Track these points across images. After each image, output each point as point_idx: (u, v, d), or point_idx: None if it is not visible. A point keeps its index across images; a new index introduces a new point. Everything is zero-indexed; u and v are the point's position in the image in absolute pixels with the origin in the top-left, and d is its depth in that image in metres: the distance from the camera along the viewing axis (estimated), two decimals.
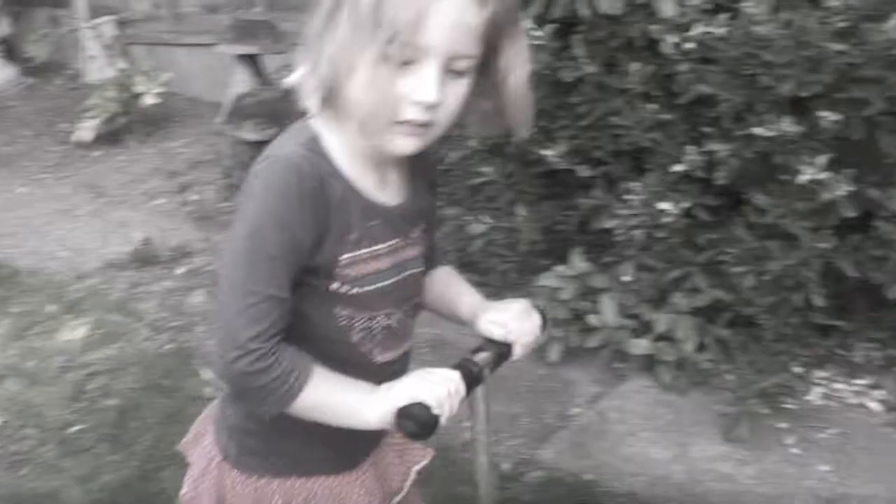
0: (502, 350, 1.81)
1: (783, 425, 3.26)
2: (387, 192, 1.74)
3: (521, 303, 1.88)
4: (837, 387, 3.47)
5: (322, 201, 1.62)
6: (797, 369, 3.28)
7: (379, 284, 1.74)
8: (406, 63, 1.53)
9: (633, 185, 3.24)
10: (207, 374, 3.70)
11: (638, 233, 3.29)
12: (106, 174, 6.24)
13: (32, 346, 4.14)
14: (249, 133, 5.38)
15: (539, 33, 3.04)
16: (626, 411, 3.39)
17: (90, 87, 7.26)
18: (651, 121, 3.14)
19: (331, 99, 1.59)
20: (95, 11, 7.94)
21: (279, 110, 5.31)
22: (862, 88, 2.82)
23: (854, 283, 3.24)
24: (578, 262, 3.62)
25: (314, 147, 1.65)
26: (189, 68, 7.26)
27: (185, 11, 8.04)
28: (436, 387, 1.62)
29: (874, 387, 3.46)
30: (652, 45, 3.01)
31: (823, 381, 3.50)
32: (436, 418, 1.56)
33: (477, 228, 3.71)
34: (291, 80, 1.66)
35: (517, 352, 1.85)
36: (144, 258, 4.81)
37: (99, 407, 3.66)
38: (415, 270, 1.83)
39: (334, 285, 1.69)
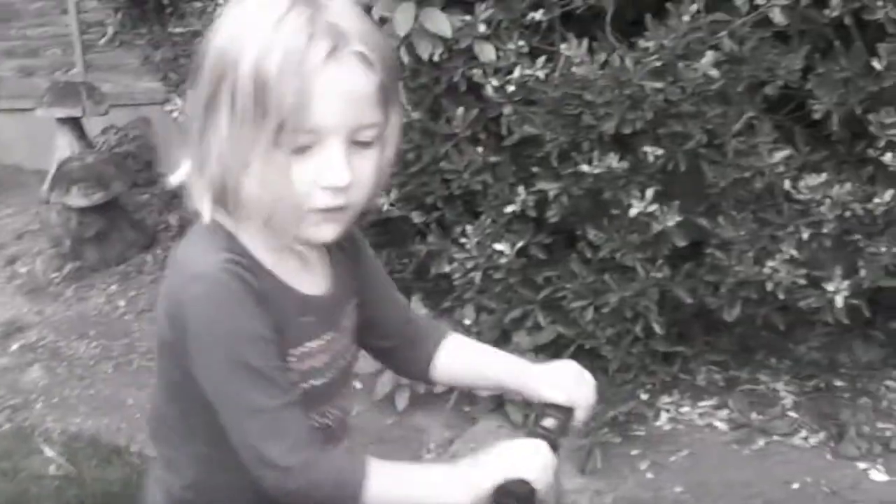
0: (568, 415, 1.70)
1: (635, 452, 3.32)
2: (312, 281, 1.62)
3: (571, 364, 1.77)
4: (684, 410, 3.55)
5: (259, 302, 1.48)
6: (643, 396, 3.34)
7: (314, 382, 1.59)
8: (304, 148, 1.43)
9: (467, 227, 3.27)
10: (50, 451, 3.59)
11: (475, 275, 3.30)
12: None
13: None
14: (76, 199, 5.22)
15: None
16: (480, 453, 3.38)
17: None
18: (479, 164, 3.17)
19: (225, 198, 1.48)
20: None
21: (105, 174, 5.19)
22: (681, 123, 2.91)
23: (691, 310, 3.33)
24: (418, 309, 3.61)
25: (233, 248, 1.51)
26: (8, 135, 7.06)
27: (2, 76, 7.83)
28: (532, 459, 1.52)
29: (718, 407, 3.55)
30: (474, 88, 3.04)
31: (670, 406, 3.57)
32: (534, 492, 1.49)
33: None
34: (175, 179, 1.53)
35: (580, 416, 1.71)
36: None
37: None
38: (348, 360, 1.68)
39: None
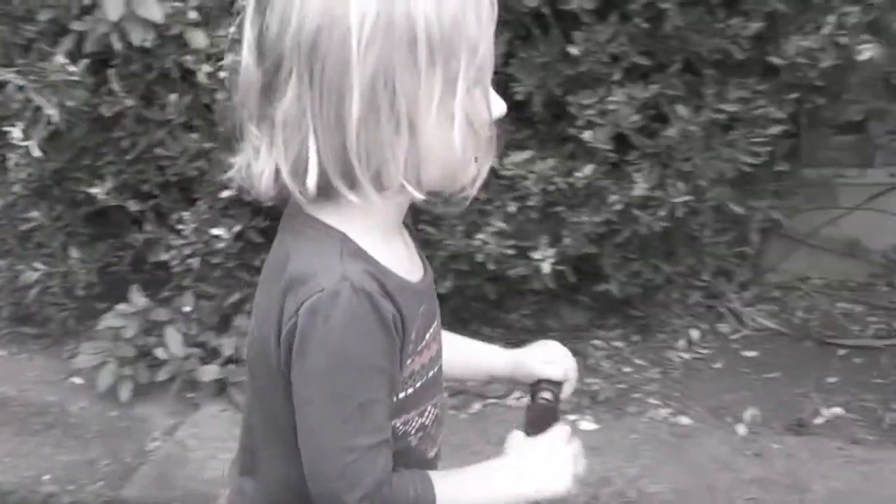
0: (559, 388, 1.71)
1: None
2: (415, 266, 1.48)
3: (555, 342, 1.78)
4: None
5: (392, 311, 1.33)
6: None
7: (430, 374, 1.50)
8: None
9: (184, 214, 3.29)
10: None
11: (194, 261, 3.33)
12: None
13: None
14: None
15: (73, 69, 3.01)
16: (204, 437, 3.40)
17: None
18: (195, 150, 3.20)
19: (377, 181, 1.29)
20: None
21: None
22: None
23: None
24: (138, 299, 3.60)
25: (356, 251, 1.34)
26: None
27: None
28: (567, 448, 1.55)
29: None
30: (188, 75, 3.07)
31: None
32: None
33: (30, 277, 3.59)
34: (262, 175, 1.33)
35: (567, 389, 1.75)
36: None
37: None
38: (443, 345, 1.58)
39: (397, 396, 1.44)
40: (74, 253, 3.60)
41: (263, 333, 1.39)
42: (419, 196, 1.32)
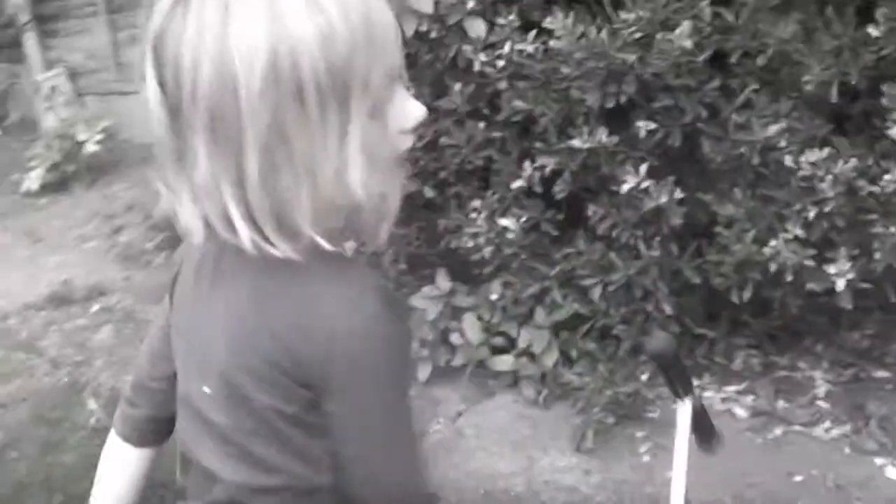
0: None
1: (640, 434, 3.26)
2: None
3: None
4: (708, 395, 3.47)
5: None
6: (644, 377, 3.29)
7: None
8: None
9: (475, 203, 3.29)
10: (94, 404, 3.78)
11: (487, 251, 3.32)
12: (47, 221, 6.37)
13: None
14: None
15: None
16: (484, 427, 3.40)
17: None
18: (481, 139, 3.18)
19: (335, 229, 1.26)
20: (50, 64, 8.11)
21: None
22: (672, 97, 2.86)
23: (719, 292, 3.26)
24: (443, 283, 3.66)
25: (365, 275, 1.34)
26: (137, 115, 7.36)
27: (128, 61, 8.16)
28: None
29: (744, 393, 3.46)
30: (471, 65, 3.06)
31: (695, 390, 3.50)
32: None
33: None
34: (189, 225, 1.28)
35: None
36: (60, 298, 4.90)
37: None
38: None
39: None
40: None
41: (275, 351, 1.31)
42: (328, 247, 1.24)
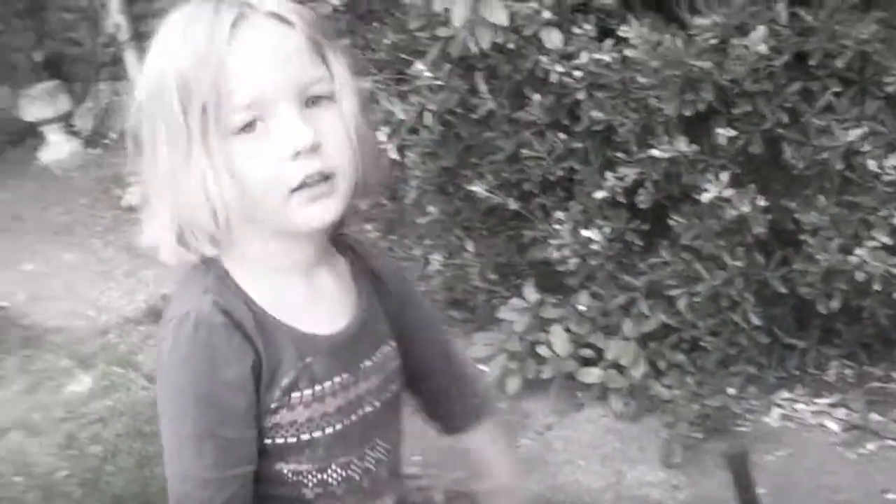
0: None
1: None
2: (324, 317, 1.50)
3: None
4: (799, 407, 3.40)
5: (244, 349, 1.39)
6: (731, 391, 3.23)
7: (328, 431, 1.50)
8: (251, 126, 1.33)
9: (559, 214, 3.26)
10: None
11: (572, 262, 3.29)
12: None
13: (41, 399, 4.30)
14: None
15: (436, 74, 3.10)
16: (573, 441, 3.37)
17: None
18: (561, 150, 3.15)
19: (187, 234, 1.38)
20: None
21: None
22: (751, 102, 2.80)
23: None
24: (531, 295, 3.64)
25: (221, 286, 1.42)
26: None
27: None
28: None
29: (836, 405, 3.37)
30: (549, 75, 3.03)
31: (786, 402, 3.43)
32: None
33: (432, 267, 3.76)
34: (148, 239, 1.44)
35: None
36: (158, 313, 4.96)
37: (85, 454, 3.80)
38: (376, 404, 1.57)
39: (268, 440, 1.46)
40: (469, 247, 3.71)
41: None
42: (207, 251, 1.40)
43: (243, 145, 1.33)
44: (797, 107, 2.83)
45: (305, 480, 1.50)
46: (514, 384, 3.61)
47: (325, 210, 1.37)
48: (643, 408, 3.41)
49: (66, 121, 8.19)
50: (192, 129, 1.32)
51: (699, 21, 2.69)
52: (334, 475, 1.53)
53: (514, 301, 3.65)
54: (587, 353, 3.51)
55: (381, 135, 3.26)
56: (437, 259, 3.74)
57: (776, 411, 3.37)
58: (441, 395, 1.78)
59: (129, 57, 8.25)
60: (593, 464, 3.24)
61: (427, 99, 3.16)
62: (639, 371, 3.39)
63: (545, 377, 3.54)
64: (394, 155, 3.27)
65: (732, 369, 3.33)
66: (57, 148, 8.07)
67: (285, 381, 1.43)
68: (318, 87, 1.37)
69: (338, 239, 1.57)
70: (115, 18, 8.00)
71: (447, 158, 3.41)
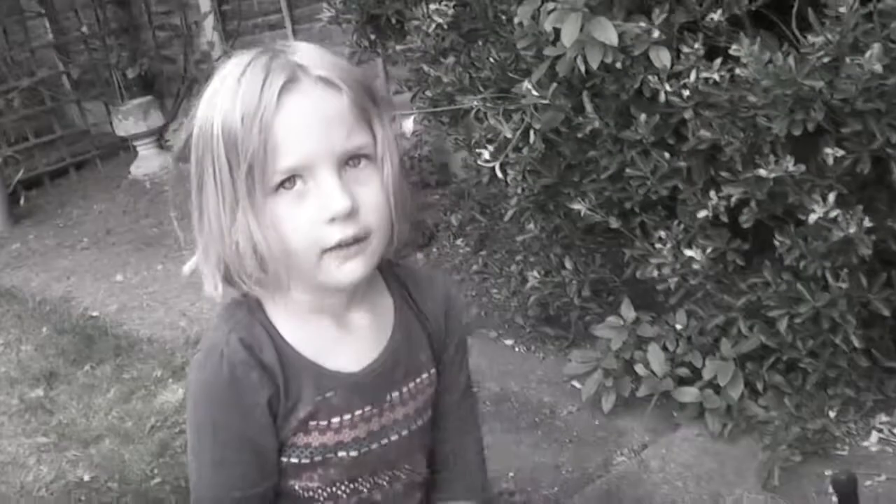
0: None
1: (828, 472, 3.16)
2: (349, 354, 1.59)
3: None
4: None
5: (263, 383, 1.50)
6: (832, 413, 3.20)
7: (340, 456, 1.61)
8: (290, 187, 1.42)
9: (661, 233, 3.26)
10: None
11: (672, 281, 3.29)
12: None
13: (134, 408, 4.38)
14: None
15: (542, 93, 3.12)
16: (669, 460, 3.35)
17: None
18: (666, 169, 3.16)
19: (233, 271, 1.48)
20: None
21: None
22: (861, 122, 2.79)
23: None
24: (628, 313, 3.64)
25: (252, 321, 1.53)
26: None
27: None
28: None
29: None
30: (656, 95, 3.04)
31: (885, 426, 3.39)
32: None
33: (529, 284, 3.78)
34: (188, 268, 1.59)
35: None
36: None
37: (178, 462, 3.84)
38: (402, 433, 1.66)
39: (283, 458, 1.58)
40: (568, 264, 3.73)
41: None
42: (253, 291, 1.51)
43: (284, 203, 1.43)
44: None
45: (315, 496, 1.62)
46: (609, 402, 3.62)
47: (354, 270, 1.46)
48: (740, 429, 3.40)
49: (157, 136, 8.36)
50: (238, 184, 1.41)
51: (811, 39, 2.68)
52: (344, 495, 1.65)
53: (611, 319, 3.65)
54: (684, 372, 3.51)
55: (485, 153, 3.31)
56: (534, 276, 3.76)
57: (875, 435, 3.33)
58: (439, 457, 1.83)
59: None
60: (690, 484, 3.22)
61: (532, 118, 3.19)
62: (736, 391, 3.38)
63: (641, 395, 3.54)
64: (498, 173, 3.29)
65: (830, 392, 3.30)
66: (148, 162, 8.24)
67: (303, 414, 1.55)
68: (356, 153, 1.46)
69: (389, 271, 1.68)
70: (209, 36, 8.15)
71: (549, 176, 3.43)
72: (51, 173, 8.79)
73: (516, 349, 4.28)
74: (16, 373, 4.96)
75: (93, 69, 9.03)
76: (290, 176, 1.41)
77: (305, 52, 1.46)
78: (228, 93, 1.41)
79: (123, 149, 8.88)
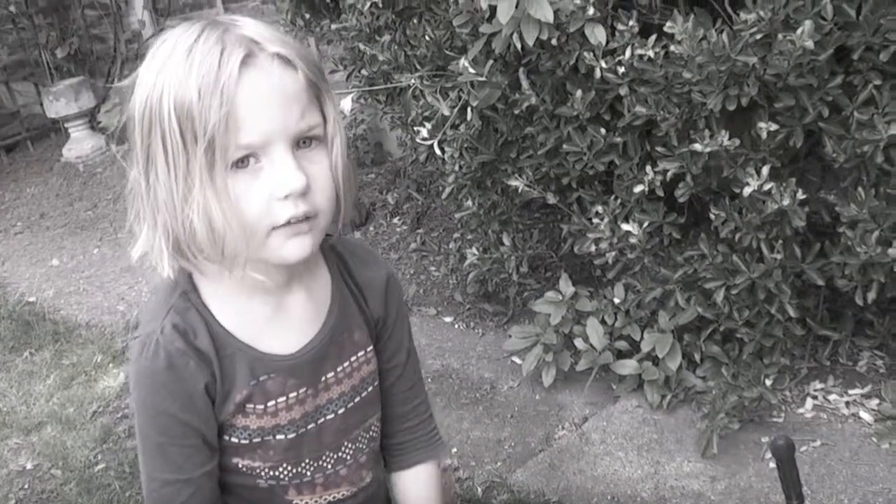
0: None
1: (765, 439, 3.23)
2: (285, 336, 1.59)
3: None
4: (832, 398, 3.42)
5: (199, 370, 1.50)
6: (768, 382, 3.26)
7: (279, 437, 1.61)
8: (246, 162, 1.39)
9: (598, 208, 3.29)
10: None
11: (610, 255, 3.32)
12: None
13: (75, 394, 4.34)
14: None
15: (479, 70, 3.13)
16: (609, 432, 3.40)
17: None
18: (602, 145, 3.19)
19: (181, 246, 1.44)
20: None
21: None
22: (794, 96, 2.83)
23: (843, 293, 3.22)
24: (566, 288, 3.67)
25: (186, 304, 1.52)
26: None
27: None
28: None
29: (869, 396, 3.40)
30: (591, 72, 3.06)
31: (819, 393, 3.46)
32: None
33: (468, 261, 3.80)
34: (136, 253, 1.52)
35: None
36: None
37: (122, 447, 3.84)
38: (339, 412, 1.67)
39: (224, 436, 1.59)
40: (506, 240, 3.75)
41: None
42: (203, 267, 1.48)
43: (239, 179, 1.40)
44: (839, 100, 2.85)
45: (258, 472, 1.63)
46: (549, 376, 3.65)
47: (301, 247, 1.45)
48: (678, 399, 3.46)
49: (89, 117, 8.24)
50: (193, 158, 1.37)
51: (744, 16, 2.72)
52: (285, 472, 1.66)
53: (549, 294, 3.69)
54: (622, 345, 3.56)
55: (423, 131, 3.32)
56: (472, 253, 3.78)
57: (810, 402, 3.40)
58: (393, 422, 1.83)
59: None
60: (631, 455, 3.27)
61: (469, 95, 3.20)
62: (674, 363, 3.43)
63: (580, 369, 3.58)
64: (437, 150, 3.31)
65: (766, 361, 3.36)
66: (80, 144, 8.11)
67: (238, 398, 1.55)
68: (309, 132, 1.43)
69: (329, 247, 1.67)
70: (139, 14, 8.05)
71: (486, 153, 3.45)
72: None
73: (456, 326, 4.31)
74: None
75: (21, 49, 8.89)
76: (247, 156, 1.39)
77: (255, 28, 1.43)
78: (178, 65, 1.38)
79: (54, 131, 8.76)
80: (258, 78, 1.38)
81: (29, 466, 3.87)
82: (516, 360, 3.90)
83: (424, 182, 5.03)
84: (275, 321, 1.57)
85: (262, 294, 1.54)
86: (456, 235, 4.21)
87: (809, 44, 2.63)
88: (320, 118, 1.45)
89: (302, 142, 1.43)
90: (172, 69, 1.38)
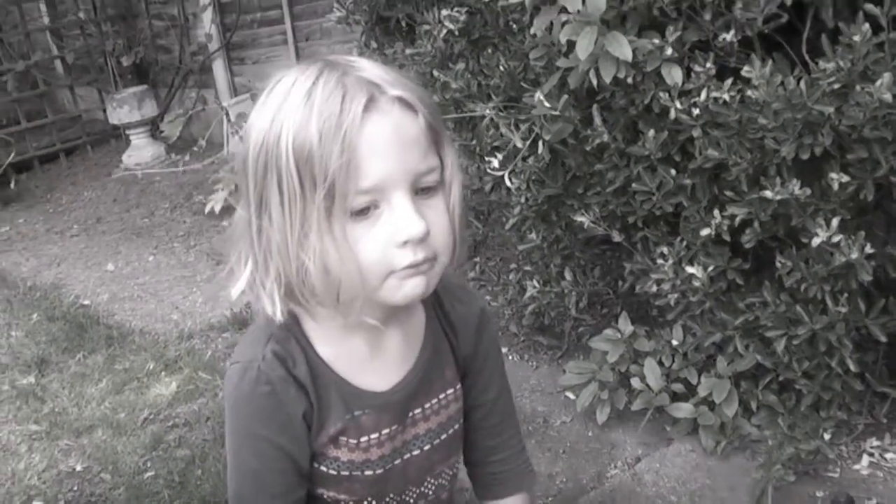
0: None
1: (820, 494, 3.19)
2: (380, 373, 1.60)
3: None
4: (889, 456, 3.39)
5: (298, 397, 1.52)
6: (826, 435, 3.22)
7: (367, 474, 1.62)
8: (366, 210, 1.38)
9: (663, 249, 3.28)
10: None
11: (673, 296, 3.31)
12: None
13: (126, 399, 4.38)
14: None
15: (553, 104, 3.13)
16: (662, 474, 3.37)
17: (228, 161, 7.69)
18: (671, 186, 3.18)
19: (293, 290, 1.44)
20: (236, 91, 8.38)
21: None
22: (867, 149, 2.81)
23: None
24: (625, 326, 3.66)
25: (286, 334, 1.53)
26: None
27: None
28: None
29: None
30: (666, 111, 3.06)
31: (876, 451, 3.42)
32: None
33: (528, 293, 3.79)
34: (236, 290, 1.53)
35: None
36: (242, 321, 5.05)
37: (172, 456, 3.86)
38: (425, 448, 1.69)
39: (315, 465, 1.60)
40: (568, 275, 3.74)
41: None
42: (314, 310, 1.48)
43: (359, 226, 1.39)
44: None
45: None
46: (603, 414, 3.64)
47: (418, 287, 1.44)
48: (733, 446, 3.42)
49: (150, 125, 8.35)
50: (311, 204, 1.36)
51: (823, 65, 2.71)
52: None
53: (608, 331, 3.67)
54: (679, 387, 3.53)
55: (495, 161, 3.33)
56: (533, 285, 3.78)
57: (866, 459, 3.36)
58: (483, 453, 1.86)
59: (217, 67, 8.42)
60: (683, 499, 3.24)
61: (542, 128, 3.20)
62: (731, 409, 3.41)
63: (635, 409, 3.57)
64: (507, 181, 3.31)
65: (823, 414, 3.32)
66: (140, 151, 8.23)
67: (332, 430, 1.57)
68: (428, 177, 1.42)
69: None
70: (207, 28, 8.15)
71: (553, 187, 3.45)
72: (41, 157, 8.80)
73: (510, 357, 4.30)
74: (7, 358, 4.97)
75: (87, 55, 9.03)
76: (368, 205, 1.37)
77: (374, 70, 1.42)
78: (297, 108, 1.36)
79: (114, 136, 8.88)
80: (380, 122, 1.37)
81: (79, 468, 3.89)
82: (570, 395, 3.89)
83: (483, 211, 5.03)
84: (371, 358, 1.58)
85: (362, 331, 1.55)
86: (513, 266, 4.20)
87: (887, 96, 2.61)
88: (438, 161, 1.44)
89: (422, 190, 1.42)
90: (291, 112, 1.37)
